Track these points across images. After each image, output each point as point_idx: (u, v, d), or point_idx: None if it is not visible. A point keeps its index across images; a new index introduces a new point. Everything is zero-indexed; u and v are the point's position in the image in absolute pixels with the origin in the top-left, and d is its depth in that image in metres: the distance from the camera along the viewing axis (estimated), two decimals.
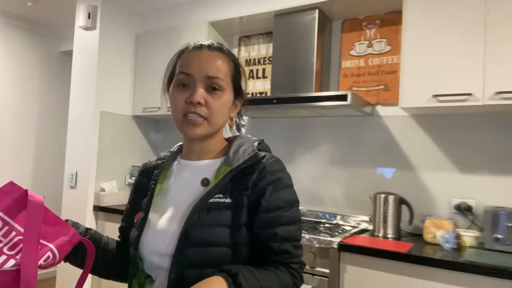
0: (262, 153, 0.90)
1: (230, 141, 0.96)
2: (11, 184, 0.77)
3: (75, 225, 0.92)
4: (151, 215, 0.89)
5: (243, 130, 1.01)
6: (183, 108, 0.84)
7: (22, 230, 0.76)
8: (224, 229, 0.81)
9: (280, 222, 0.84)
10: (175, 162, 0.97)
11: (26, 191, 0.77)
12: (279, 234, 0.83)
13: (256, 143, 0.94)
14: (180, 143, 1.00)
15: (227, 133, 0.99)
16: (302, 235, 1.81)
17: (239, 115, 1.01)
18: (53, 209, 0.86)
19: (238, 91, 0.92)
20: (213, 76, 0.85)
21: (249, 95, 2.72)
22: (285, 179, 0.90)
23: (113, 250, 0.99)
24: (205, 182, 0.87)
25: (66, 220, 0.90)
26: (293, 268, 0.84)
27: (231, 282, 0.73)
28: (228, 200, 0.83)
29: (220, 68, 0.86)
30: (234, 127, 0.99)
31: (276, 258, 0.84)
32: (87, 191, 2.72)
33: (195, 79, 0.84)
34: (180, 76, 0.86)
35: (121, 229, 1.03)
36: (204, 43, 0.90)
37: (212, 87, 0.85)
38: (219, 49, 0.90)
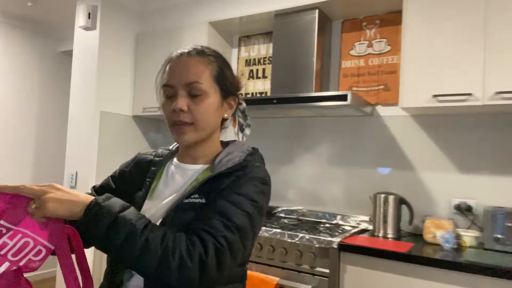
0: (247, 163, 0.88)
1: (224, 147, 0.97)
2: None
3: None
4: (143, 211, 0.91)
5: (247, 130, 1.00)
6: (170, 117, 0.89)
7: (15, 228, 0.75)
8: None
9: (224, 198, 0.80)
10: (171, 162, 0.98)
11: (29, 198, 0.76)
12: (216, 203, 0.79)
13: (246, 154, 0.92)
14: None
15: (230, 135, 0.99)
16: (302, 235, 1.82)
17: (243, 114, 1.01)
18: None
19: (226, 91, 0.92)
20: (191, 81, 0.87)
21: (249, 95, 2.72)
22: (257, 181, 0.86)
23: None
24: None
25: None
26: (200, 236, 0.74)
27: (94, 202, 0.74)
28: (203, 201, 0.83)
29: (198, 72, 0.88)
30: (237, 128, 0.99)
31: (195, 224, 0.77)
32: (87, 191, 2.70)
33: (176, 89, 0.88)
34: (165, 88, 0.90)
35: (92, 191, 1.06)
36: (184, 51, 0.91)
37: (194, 92, 0.87)
38: (200, 52, 0.91)
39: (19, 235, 0.75)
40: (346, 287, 1.73)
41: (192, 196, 0.84)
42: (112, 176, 1.07)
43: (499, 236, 1.73)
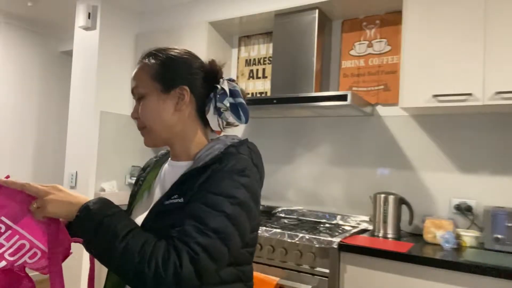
0: (225, 156, 0.82)
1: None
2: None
3: None
4: (134, 211, 0.93)
5: (226, 114, 0.91)
6: None
7: (25, 234, 0.76)
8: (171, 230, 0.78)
9: (199, 200, 0.77)
10: (166, 162, 0.99)
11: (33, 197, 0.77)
12: (190, 208, 0.76)
13: (227, 146, 0.86)
14: None
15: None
16: (302, 235, 1.82)
17: (221, 96, 0.89)
18: None
19: (168, 84, 0.88)
20: (132, 89, 0.91)
21: (249, 95, 2.72)
22: (235, 175, 0.80)
23: None
24: None
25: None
26: (174, 245, 0.71)
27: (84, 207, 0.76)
28: (181, 200, 0.81)
29: (136, 76, 0.91)
30: (210, 114, 0.90)
31: (171, 232, 0.74)
32: (87, 191, 2.71)
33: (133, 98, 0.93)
34: None
35: None
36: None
37: (138, 98, 0.90)
38: (142, 58, 0.93)
39: (17, 236, 0.75)
40: (346, 287, 1.73)
41: (172, 197, 0.82)
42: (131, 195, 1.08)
43: (499, 236, 1.73)
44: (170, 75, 0.89)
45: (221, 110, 0.90)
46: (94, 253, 0.75)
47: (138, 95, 0.89)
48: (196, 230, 0.72)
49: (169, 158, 0.98)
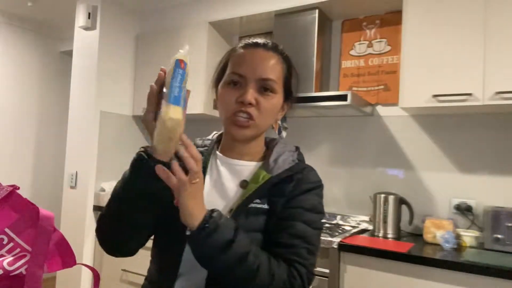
0: (302, 165, 0.91)
1: (268, 146, 0.95)
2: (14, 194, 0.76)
3: None
4: None
5: (284, 133, 0.98)
6: (233, 107, 0.82)
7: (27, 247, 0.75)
8: (258, 234, 0.81)
9: (299, 218, 0.82)
10: (213, 155, 0.92)
11: (37, 209, 0.76)
12: (295, 227, 0.80)
13: (296, 154, 0.93)
14: (216, 132, 0.97)
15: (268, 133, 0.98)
16: None
17: (283, 117, 0.98)
18: (53, 209, 0.85)
19: (288, 94, 0.91)
20: (266, 78, 0.83)
21: None
22: (317, 189, 0.89)
23: None
24: (244, 184, 0.86)
25: None
26: (296, 268, 0.77)
27: (210, 215, 0.70)
28: (266, 206, 0.83)
29: (274, 69, 0.86)
30: (277, 130, 0.98)
31: (281, 250, 0.78)
32: (87, 191, 2.71)
33: (247, 80, 0.82)
34: (232, 76, 0.84)
35: None
36: (259, 42, 0.90)
37: (264, 88, 0.83)
38: (274, 48, 0.90)
39: (18, 250, 0.75)
40: (346, 287, 1.73)
41: (254, 201, 0.82)
42: None
43: (499, 236, 1.73)
44: (291, 88, 0.93)
45: (281, 129, 0.99)
46: (211, 268, 0.74)
47: (266, 87, 0.83)
48: (308, 252, 0.80)
49: (217, 151, 0.91)
